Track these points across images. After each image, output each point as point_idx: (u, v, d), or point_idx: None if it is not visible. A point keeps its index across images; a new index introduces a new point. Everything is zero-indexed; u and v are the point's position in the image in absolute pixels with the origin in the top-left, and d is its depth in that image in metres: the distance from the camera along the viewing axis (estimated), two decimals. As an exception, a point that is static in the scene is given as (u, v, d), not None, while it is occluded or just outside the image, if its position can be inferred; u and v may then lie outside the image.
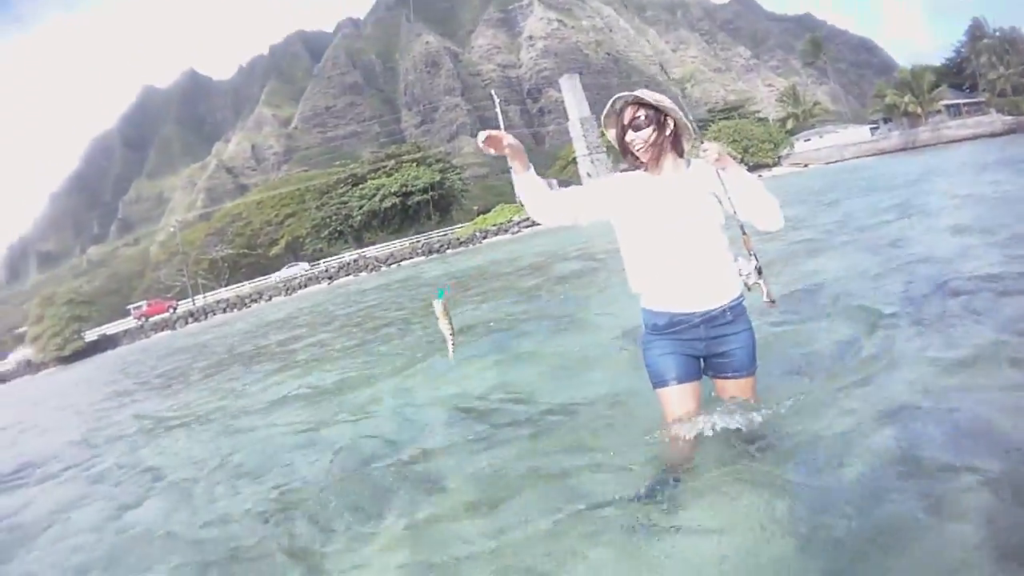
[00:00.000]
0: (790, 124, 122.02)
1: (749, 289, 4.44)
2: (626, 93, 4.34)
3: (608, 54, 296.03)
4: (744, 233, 4.36)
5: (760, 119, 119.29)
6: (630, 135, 4.28)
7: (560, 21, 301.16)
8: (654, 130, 4.24)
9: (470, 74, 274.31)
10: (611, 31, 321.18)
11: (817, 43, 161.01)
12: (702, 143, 4.27)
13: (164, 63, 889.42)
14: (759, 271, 4.35)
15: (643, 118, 4.24)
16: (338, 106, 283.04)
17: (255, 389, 14.37)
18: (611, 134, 4.53)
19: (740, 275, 4.40)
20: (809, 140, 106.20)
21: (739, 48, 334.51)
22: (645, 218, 4.31)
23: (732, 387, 4.56)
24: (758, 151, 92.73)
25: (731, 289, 4.37)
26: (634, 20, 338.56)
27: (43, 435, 18.20)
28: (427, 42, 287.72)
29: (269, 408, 11.43)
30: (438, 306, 4.52)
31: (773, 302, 4.39)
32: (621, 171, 4.64)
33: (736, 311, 4.41)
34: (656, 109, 4.27)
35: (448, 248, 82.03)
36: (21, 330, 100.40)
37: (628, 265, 4.57)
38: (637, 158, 4.36)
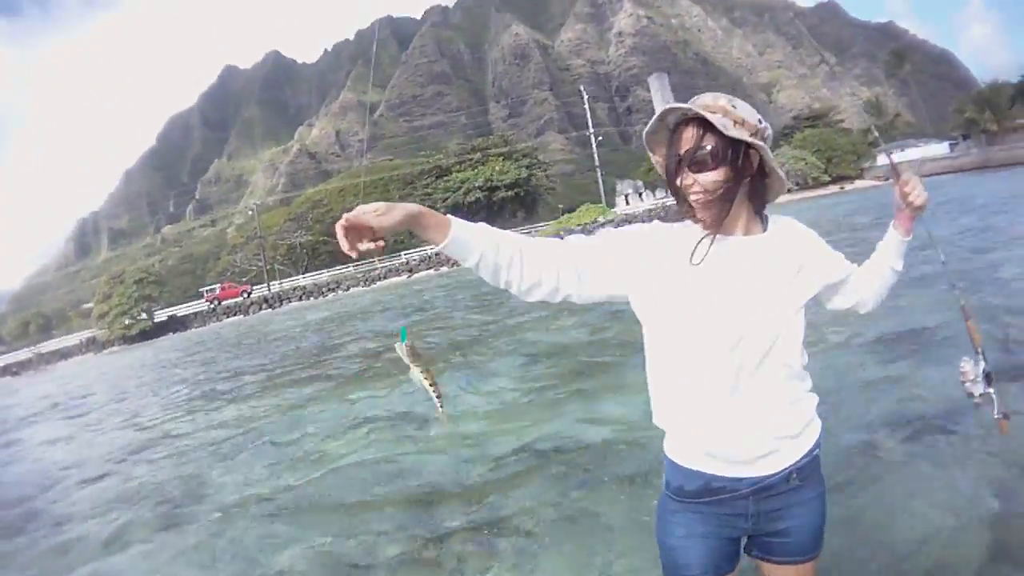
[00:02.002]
0: (873, 137, 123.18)
1: (975, 403, 2.95)
2: (683, 105, 2.52)
3: (696, 54, 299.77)
4: (967, 319, 3.06)
5: (843, 129, 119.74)
6: (687, 177, 2.52)
7: (649, 18, 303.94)
8: (727, 172, 2.50)
9: (559, 68, 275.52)
10: (699, 31, 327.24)
11: (901, 55, 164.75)
12: (899, 175, 2.92)
13: (247, 44, 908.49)
14: (988, 378, 2.91)
15: (710, 151, 2.48)
16: (425, 95, 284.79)
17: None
18: (657, 161, 2.76)
19: (963, 383, 2.95)
20: (891, 153, 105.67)
21: (825, 54, 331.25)
22: (689, 312, 2.56)
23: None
24: (841, 162, 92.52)
25: (804, 439, 2.71)
26: (722, 20, 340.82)
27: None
28: (516, 34, 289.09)
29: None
30: (403, 351, 2.76)
31: (1006, 417, 2.91)
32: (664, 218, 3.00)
33: (806, 471, 2.72)
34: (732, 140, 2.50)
35: None
36: (88, 306, 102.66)
37: (653, 382, 2.77)
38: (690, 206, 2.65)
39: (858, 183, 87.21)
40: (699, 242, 2.52)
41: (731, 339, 2.48)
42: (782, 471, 2.62)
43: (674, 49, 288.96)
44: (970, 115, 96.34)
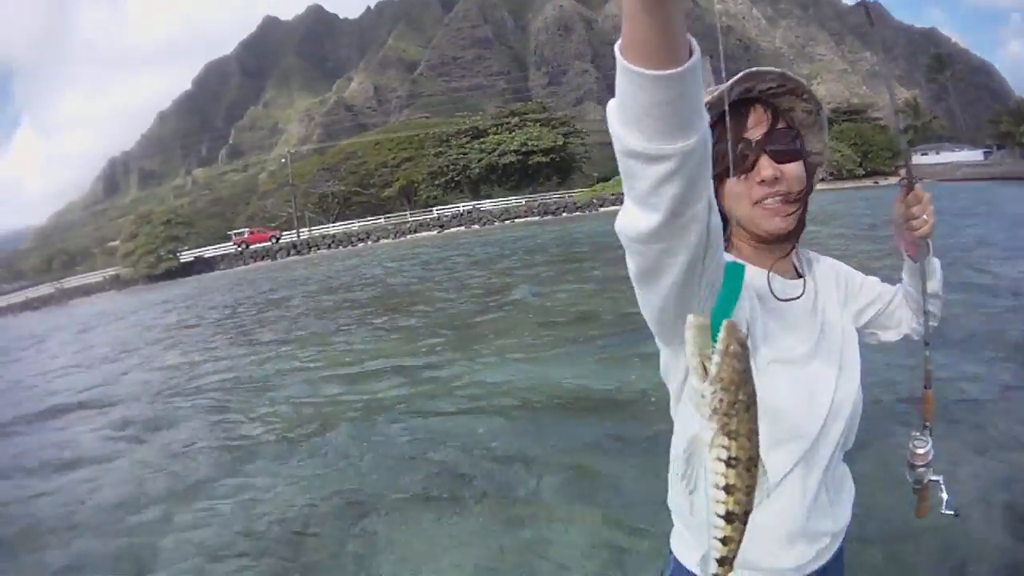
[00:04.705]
0: (908, 136, 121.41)
1: (918, 489, 2.32)
2: (772, 68, 1.93)
3: (739, 40, 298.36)
4: (927, 387, 2.36)
5: (881, 126, 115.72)
6: (767, 168, 1.90)
7: (695, 1, 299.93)
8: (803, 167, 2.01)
9: (602, 42, 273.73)
10: (743, 19, 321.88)
11: (942, 60, 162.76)
12: (910, 186, 2.13)
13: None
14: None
15: (794, 134, 1.99)
16: (466, 57, 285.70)
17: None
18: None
19: (915, 467, 2.28)
20: (925, 155, 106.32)
21: (866, 53, 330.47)
22: (785, 368, 1.90)
23: None
24: (876, 158, 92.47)
25: (847, 512, 2.11)
26: (767, 10, 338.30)
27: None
28: (560, 5, 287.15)
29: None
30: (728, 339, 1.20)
31: (957, 514, 2.29)
32: None
33: (839, 553, 2.11)
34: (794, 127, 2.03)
35: (564, 211, 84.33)
36: (113, 244, 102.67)
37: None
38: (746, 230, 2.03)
39: (891, 179, 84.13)
40: (770, 275, 1.98)
41: (825, 407, 1.89)
42: (833, 555, 2.03)
43: (716, 34, 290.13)
44: (1006, 126, 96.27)
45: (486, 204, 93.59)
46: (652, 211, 1.39)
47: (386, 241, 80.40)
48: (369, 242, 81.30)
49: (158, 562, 6.64)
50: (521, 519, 6.22)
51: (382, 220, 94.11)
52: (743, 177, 1.90)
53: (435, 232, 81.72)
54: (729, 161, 1.80)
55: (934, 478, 2.22)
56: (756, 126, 1.89)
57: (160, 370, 18.28)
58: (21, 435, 13.59)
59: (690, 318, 1.20)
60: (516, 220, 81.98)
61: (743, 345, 1.17)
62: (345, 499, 7.22)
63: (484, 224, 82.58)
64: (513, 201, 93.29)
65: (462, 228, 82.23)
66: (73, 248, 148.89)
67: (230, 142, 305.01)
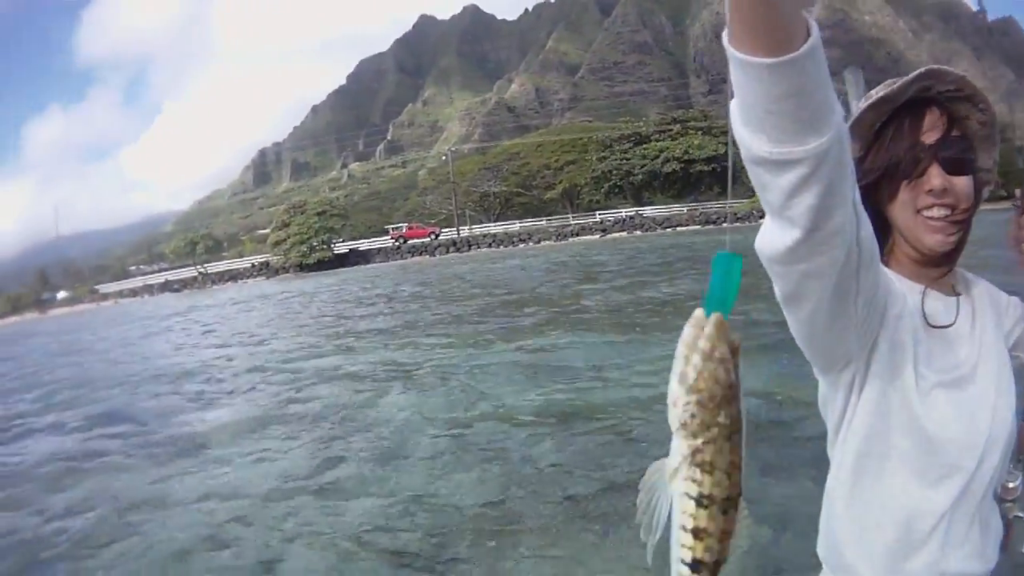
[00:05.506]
0: None
1: (1008, 525, 2.00)
2: (952, 70, 1.75)
3: (888, 53, 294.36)
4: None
5: (1019, 147, 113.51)
6: (936, 177, 1.74)
7: (845, 12, 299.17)
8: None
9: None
10: (891, 31, 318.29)
11: None
12: (1020, 205, 2.02)
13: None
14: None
15: (967, 146, 1.82)
16: (627, 63, 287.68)
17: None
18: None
19: (1003, 501, 1.98)
20: None
21: (1004, 69, 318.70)
22: (943, 399, 1.74)
23: None
24: (1015, 180, 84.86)
25: (996, 553, 1.91)
26: (912, 23, 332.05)
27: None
28: (717, 12, 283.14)
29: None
30: (707, 328, 1.00)
31: None
32: None
33: None
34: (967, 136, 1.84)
35: (724, 221, 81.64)
36: (263, 232, 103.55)
37: (859, 492, 1.78)
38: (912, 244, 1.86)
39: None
40: (924, 293, 1.83)
41: (983, 437, 1.73)
42: None
43: (867, 45, 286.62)
44: None
45: (648, 211, 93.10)
46: (789, 225, 1.28)
47: (547, 243, 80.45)
48: (530, 243, 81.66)
49: (290, 549, 6.89)
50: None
51: (544, 222, 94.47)
52: (911, 183, 1.75)
53: (597, 236, 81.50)
54: (902, 165, 1.75)
55: (1020, 514, 1.96)
56: (931, 130, 1.74)
57: (309, 355, 19.17)
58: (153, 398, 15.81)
59: (697, 313, 1.00)
60: (677, 228, 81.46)
61: (734, 352, 0.97)
62: (485, 510, 7.21)
63: (646, 230, 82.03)
64: (675, 209, 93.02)
65: (624, 233, 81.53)
66: (219, 234, 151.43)
67: (388, 138, 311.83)
